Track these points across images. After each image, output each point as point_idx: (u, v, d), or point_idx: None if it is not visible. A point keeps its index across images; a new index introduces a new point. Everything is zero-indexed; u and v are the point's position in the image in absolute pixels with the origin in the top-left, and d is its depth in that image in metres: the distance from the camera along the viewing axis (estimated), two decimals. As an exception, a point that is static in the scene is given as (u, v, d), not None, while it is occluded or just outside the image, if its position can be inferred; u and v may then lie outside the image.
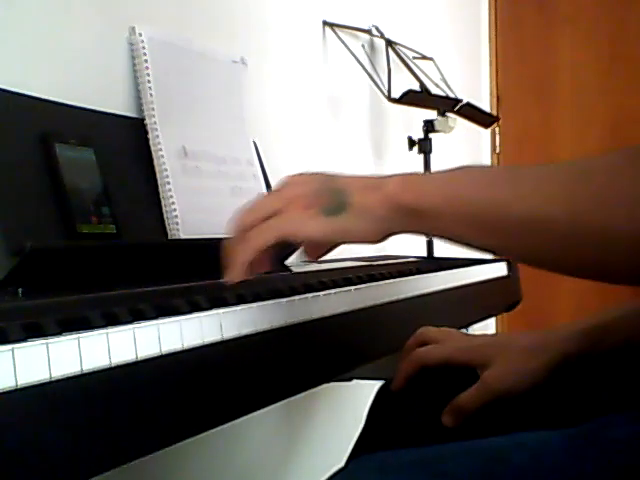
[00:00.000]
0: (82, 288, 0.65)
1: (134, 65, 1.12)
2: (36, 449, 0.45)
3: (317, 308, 0.73)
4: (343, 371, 0.80)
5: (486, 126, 2.24)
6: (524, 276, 1.46)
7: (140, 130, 1.10)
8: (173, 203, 1.09)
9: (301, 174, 0.65)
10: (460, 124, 2.02)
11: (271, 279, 0.66)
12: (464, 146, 2.66)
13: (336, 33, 1.83)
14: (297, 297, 0.71)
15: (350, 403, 1.72)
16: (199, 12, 1.36)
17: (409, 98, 1.84)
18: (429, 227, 0.57)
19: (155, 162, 1.10)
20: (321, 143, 1.82)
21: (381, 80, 1.87)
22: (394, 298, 0.90)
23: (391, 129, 2.16)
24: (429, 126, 1.96)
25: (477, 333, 0.88)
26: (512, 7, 3.00)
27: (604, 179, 0.50)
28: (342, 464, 0.73)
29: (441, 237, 0.60)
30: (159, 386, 0.55)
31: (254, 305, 0.66)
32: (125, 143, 1.07)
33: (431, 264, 1.20)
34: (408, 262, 1.26)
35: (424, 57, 2.05)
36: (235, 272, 0.61)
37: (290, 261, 0.95)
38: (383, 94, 1.86)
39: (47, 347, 0.46)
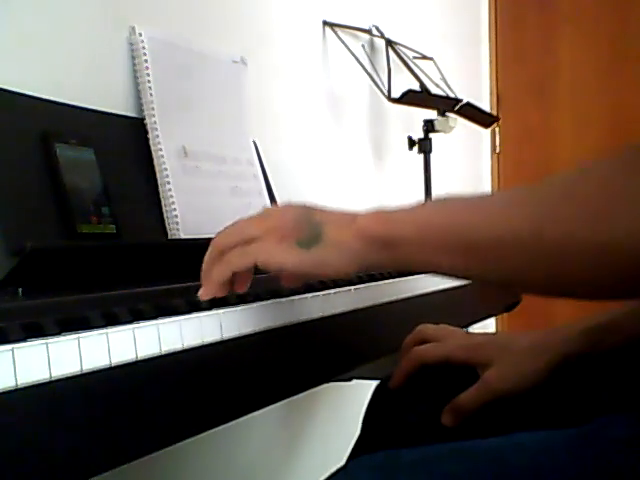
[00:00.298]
0: (82, 288, 0.65)
1: (134, 65, 1.12)
2: (36, 449, 0.45)
3: (317, 308, 0.73)
4: (343, 371, 0.79)
5: (486, 126, 2.24)
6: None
7: (140, 130, 1.10)
8: (173, 203, 1.09)
9: (283, 205, 0.67)
10: (460, 124, 2.02)
11: (271, 279, 0.66)
12: (464, 146, 2.66)
13: (336, 33, 1.83)
14: (297, 297, 0.71)
15: (350, 403, 1.72)
16: (199, 12, 1.36)
17: (409, 98, 1.84)
18: (402, 257, 0.58)
19: (155, 162, 1.10)
20: (321, 143, 1.82)
21: (381, 80, 1.87)
22: (394, 298, 0.90)
23: (391, 129, 2.16)
24: (429, 126, 1.96)
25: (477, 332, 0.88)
26: (512, 7, 3.00)
27: (568, 199, 0.51)
28: (342, 464, 0.73)
29: (415, 267, 0.62)
30: (159, 386, 0.55)
31: (254, 305, 0.66)
32: (125, 143, 1.07)
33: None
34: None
35: (424, 57, 2.05)
36: (210, 289, 0.63)
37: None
38: (383, 94, 1.86)
39: (47, 347, 0.46)
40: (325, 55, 1.84)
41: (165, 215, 1.09)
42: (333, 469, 0.69)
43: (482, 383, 0.77)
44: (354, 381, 1.40)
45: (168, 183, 1.09)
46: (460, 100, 1.98)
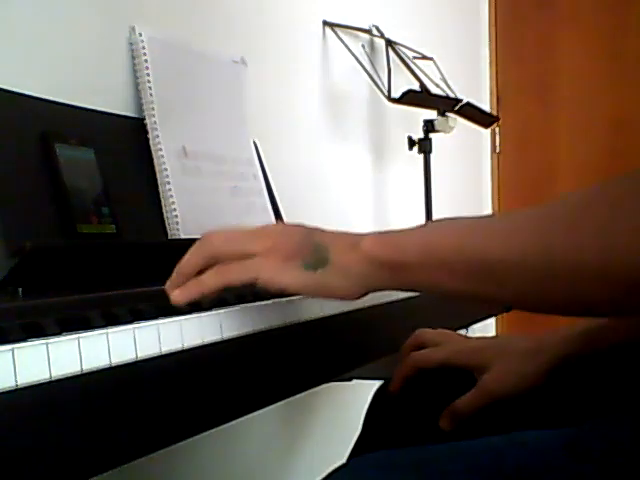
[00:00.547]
0: (82, 288, 0.65)
1: (134, 65, 1.12)
2: (36, 449, 0.45)
3: (317, 308, 0.73)
4: (343, 371, 0.79)
5: (486, 126, 2.24)
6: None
7: (140, 130, 1.10)
8: (173, 203, 1.09)
9: (283, 224, 0.67)
10: (460, 124, 2.02)
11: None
12: (464, 146, 2.66)
13: (336, 33, 1.83)
14: (297, 297, 0.71)
15: (350, 403, 1.72)
16: (199, 12, 1.36)
17: (409, 98, 1.84)
18: (407, 280, 0.58)
19: (155, 162, 1.10)
20: (321, 143, 1.82)
21: (381, 80, 1.87)
22: (394, 298, 0.90)
23: (391, 129, 2.16)
24: (429, 126, 1.96)
25: (476, 334, 0.88)
26: (512, 7, 3.00)
27: (579, 220, 0.51)
28: (342, 463, 0.73)
29: (420, 289, 0.61)
30: (159, 386, 0.55)
31: (254, 305, 0.66)
32: (125, 143, 1.07)
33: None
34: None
35: (424, 57, 2.05)
36: (190, 294, 0.61)
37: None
38: (383, 94, 1.86)
39: (47, 347, 0.46)
40: (325, 55, 1.85)
41: (165, 215, 1.09)
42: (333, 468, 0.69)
43: (479, 387, 0.77)
44: (354, 381, 1.40)
45: (168, 183, 1.09)
46: (460, 100, 1.98)
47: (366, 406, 0.88)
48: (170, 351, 0.55)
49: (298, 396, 0.72)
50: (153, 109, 1.11)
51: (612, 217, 0.48)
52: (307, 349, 0.72)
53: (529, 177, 2.99)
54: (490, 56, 3.01)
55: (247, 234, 0.62)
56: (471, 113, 2.06)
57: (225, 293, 0.65)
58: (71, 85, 1.04)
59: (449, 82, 2.07)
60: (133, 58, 1.12)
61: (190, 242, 0.63)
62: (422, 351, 0.83)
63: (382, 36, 1.94)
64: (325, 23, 1.83)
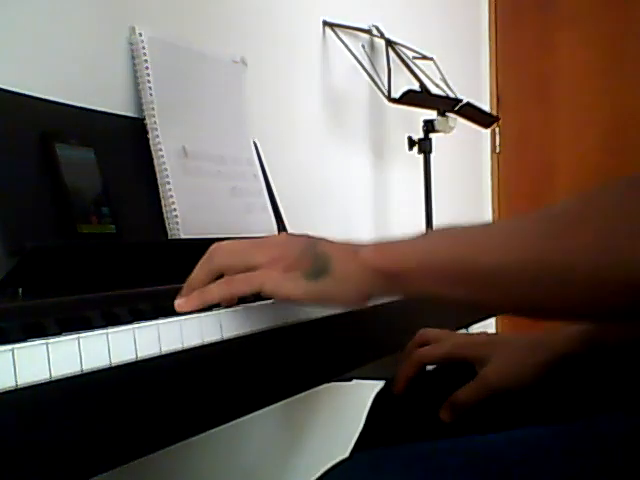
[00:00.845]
0: (82, 288, 0.65)
1: (134, 65, 1.12)
2: (36, 449, 0.45)
3: (317, 308, 0.73)
4: (343, 371, 0.80)
5: (486, 126, 2.24)
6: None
7: (140, 130, 1.10)
8: (173, 203, 1.09)
9: (285, 234, 0.68)
10: (460, 124, 2.02)
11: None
12: (464, 146, 2.66)
13: (336, 33, 1.83)
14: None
15: (350, 403, 1.72)
16: (199, 12, 1.36)
17: (409, 98, 1.84)
18: (406, 288, 0.59)
19: (155, 162, 1.10)
20: (321, 143, 1.82)
21: (381, 80, 1.87)
22: (394, 298, 0.90)
23: (391, 129, 2.16)
24: (429, 126, 1.96)
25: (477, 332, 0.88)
26: (512, 7, 3.00)
27: (576, 226, 0.51)
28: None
29: (420, 297, 0.62)
30: (159, 386, 0.55)
31: (254, 305, 0.66)
32: (125, 143, 1.07)
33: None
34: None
35: (424, 57, 2.05)
36: (195, 303, 0.62)
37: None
38: (383, 94, 1.86)
39: (47, 347, 0.46)
40: (325, 55, 1.84)
41: (165, 215, 1.09)
42: (333, 468, 0.69)
43: (480, 379, 0.78)
44: (354, 381, 1.40)
45: (168, 183, 1.09)
46: (460, 100, 1.98)
47: (367, 406, 0.88)
48: (170, 351, 0.55)
49: (298, 396, 0.72)
50: (153, 109, 1.11)
51: (610, 222, 0.49)
52: (307, 349, 0.72)
53: (529, 177, 2.98)
54: (490, 56, 3.01)
55: (251, 246, 0.64)
56: (471, 113, 2.06)
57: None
58: (71, 85, 1.04)
59: (449, 82, 2.07)
60: (133, 58, 1.13)
61: (190, 242, 0.63)
62: (425, 347, 0.84)
63: (382, 36, 1.94)
64: (325, 23, 1.83)
